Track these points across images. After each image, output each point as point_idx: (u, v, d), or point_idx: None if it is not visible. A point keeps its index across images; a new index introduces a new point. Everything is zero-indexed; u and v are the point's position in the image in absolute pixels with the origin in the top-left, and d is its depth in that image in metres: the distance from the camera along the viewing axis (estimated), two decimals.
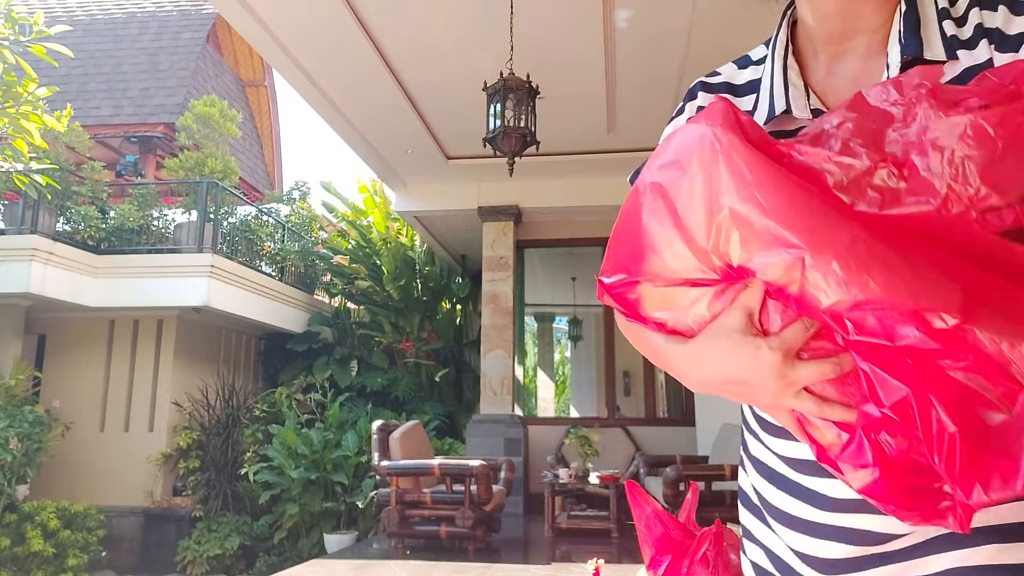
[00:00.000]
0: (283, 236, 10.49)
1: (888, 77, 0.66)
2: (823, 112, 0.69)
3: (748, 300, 0.58)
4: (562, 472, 5.95)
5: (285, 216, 10.90)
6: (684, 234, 0.58)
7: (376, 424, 5.77)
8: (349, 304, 10.76)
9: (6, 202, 8.19)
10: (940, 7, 0.68)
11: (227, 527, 7.85)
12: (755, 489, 0.79)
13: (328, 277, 10.87)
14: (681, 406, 7.88)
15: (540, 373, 10.73)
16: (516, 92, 4.16)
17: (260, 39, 4.94)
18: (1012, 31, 0.65)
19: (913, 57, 0.66)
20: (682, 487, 4.26)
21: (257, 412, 8.70)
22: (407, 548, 5.36)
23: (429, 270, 10.20)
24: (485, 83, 4.25)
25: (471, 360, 9.71)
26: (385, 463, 5.38)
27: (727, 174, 0.55)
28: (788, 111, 0.72)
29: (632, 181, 0.80)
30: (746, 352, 0.57)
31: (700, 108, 0.78)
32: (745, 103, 0.78)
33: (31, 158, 5.41)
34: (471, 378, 9.61)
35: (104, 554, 7.40)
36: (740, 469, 0.85)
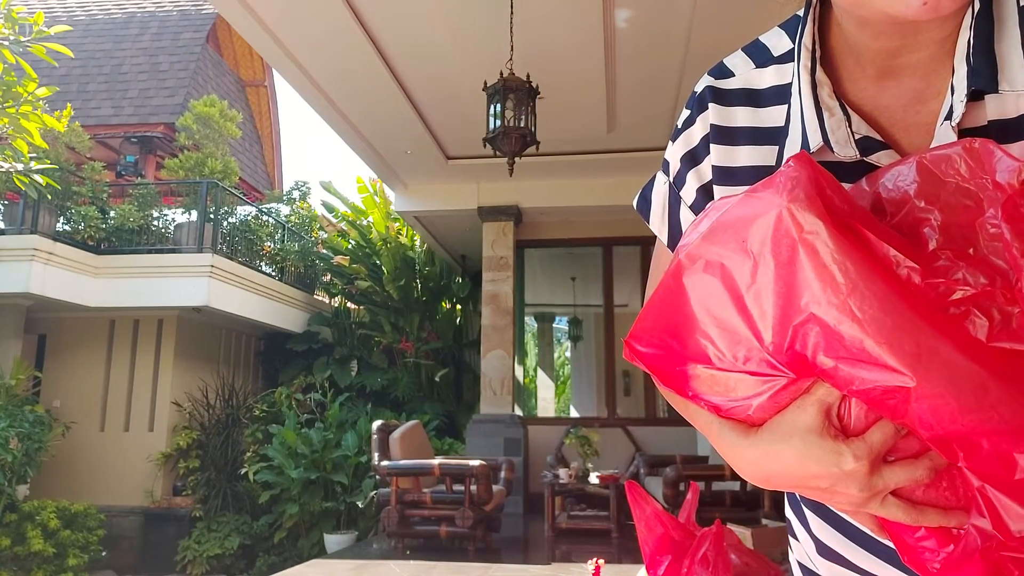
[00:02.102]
0: (283, 236, 10.50)
1: (952, 110, 0.50)
2: (875, 143, 0.54)
3: (825, 396, 0.47)
4: (562, 472, 5.96)
5: (285, 216, 10.91)
6: (751, 326, 0.46)
7: (376, 424, 5.77)
8: (349, 304, 10.77)
9: (6, 202, 8.20)
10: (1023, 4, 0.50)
11: (227, 527, 7.85)
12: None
13: (328, 277, 10.88)
14: None
15: (540, 373, 10.73)
16: (516, 92, 4.16)
17: (260, 39, 4.94)
18: None
19: (983, 90, 0.50)
20: (682, 487, 4.26)
21: (257, 412, 8.70)
22: (407, 548, 5.36)
23: (429, 270, 10.20)
24: (485, 83, 4.25)
25: (471, 360, 9.71)
26: (385, 463, 5.38)
27: (811, 271, 0.43)
28: (827, 144, 0.54)
29: (639, 206, 0.75)
30: (825, 459, 0.47)
31: (714, 125, 0.64)
32: (773, 116, 0.61)
33: (31, 158, 5.41)
34: (471, 378, 9.61)
35: (104, 554, 7.41)
36: None
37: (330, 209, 10.99)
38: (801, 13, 0.59)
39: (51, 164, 6.17)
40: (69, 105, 6.19)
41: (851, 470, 0.46)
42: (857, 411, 0.47)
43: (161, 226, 8.93)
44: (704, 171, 0.66)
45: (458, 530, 5.21)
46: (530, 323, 10.12)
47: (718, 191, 0.64)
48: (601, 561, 3.48)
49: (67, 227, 8.43)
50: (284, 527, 7.67)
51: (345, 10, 4.55)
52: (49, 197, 7.65)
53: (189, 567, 7.64)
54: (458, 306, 10.41)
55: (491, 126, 4.21)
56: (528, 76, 4.21)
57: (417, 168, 7.30)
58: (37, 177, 5.31)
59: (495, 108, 4.20)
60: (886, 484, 0.47)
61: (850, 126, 0.54)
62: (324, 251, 10.98)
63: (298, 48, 5.06)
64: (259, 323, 9.41)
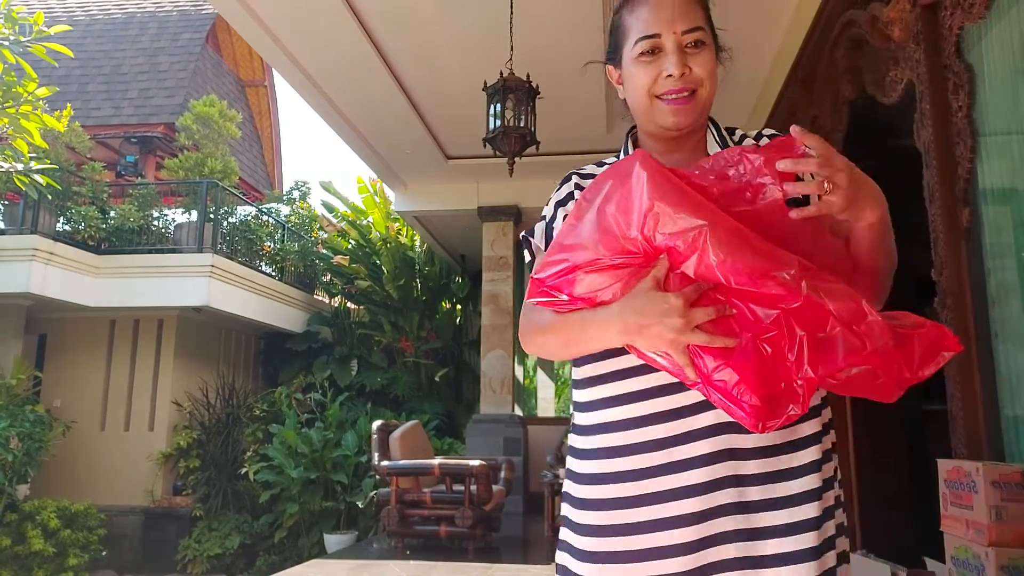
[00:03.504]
0: (283, 236, 10.50)
1: None
2: None
3: (656, 272, 0.92)
4: (562, 472, 5.95)
5: (285, 216, 10.90)
6: (619, 228, 0.92)
7: (376, 424, 5.77)
8: (349, 304, 10.76)
9: (6, 202, 8.20)
10: (723, 133, 1.19)
11: (227, 526, 7.85)
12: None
13: (328, 277, 10.87)
14: None
15: (540, 373, 10.73)
16: (516, 92, 4.16)
17: (260, 39, 4.94)
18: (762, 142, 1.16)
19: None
20: None
21: (257, 411, 8.70)
22: (407, 548, 5.37)
23: (429, 270, 10.20)
24: (485, 83, 4.24)
25: (471, 360, 9.71)
26: (385, 463, 5.38)
27: (652, 187, 0.89)
28: None
29: (525, 239, 1.23)
30: (659, 300, 0.90)
31: (576, 188, 1.19)
32: None
33: (31, 158, 5.41)
34: (471, 378, 9.61)
35: (104, 553, 7.41)
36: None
37: (330, 209, 10.98)
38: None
39: (51, 164, 6.17)
40: (69, 105, 6.20)
41: (675, 303, 0.89)
42: (675, 282, 0.91)
43: (161, 226, 8.93)
44: (569, 207, 1.15)
45: (458, 530, 5.22)
46: None
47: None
48: None
49: (67, 227, 8.43)
50: (284, 527, 7.67)
51: (345, 10, 4.55)
52: (49, 197, 7.65)
53: (189, 566, 7.64)
54: (458, 306, 10.41)
55: (491, 126, 4.21)
56: (528, 76, 4.21)
57: (417, 168, 7.30)
58: (37, 177, 5.31)
59: (495, 108, 4.19)
60: (694, 317, 0.89)
61: None
62: (324, 251, 10.98)
63: (298, 48, 5.06)
64: (259, 323, 9.41)
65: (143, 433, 8.49)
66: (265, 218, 10.24)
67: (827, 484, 1.02)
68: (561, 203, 1.18)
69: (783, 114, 4.60)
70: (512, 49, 4.25)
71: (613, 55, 1.19)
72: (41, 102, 5.14)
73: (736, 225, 0.88)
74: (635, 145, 1.21)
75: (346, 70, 5.34)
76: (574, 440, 1.11)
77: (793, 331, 0.86)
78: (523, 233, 1.21)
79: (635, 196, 0.90)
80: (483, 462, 5.30)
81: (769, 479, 0.98)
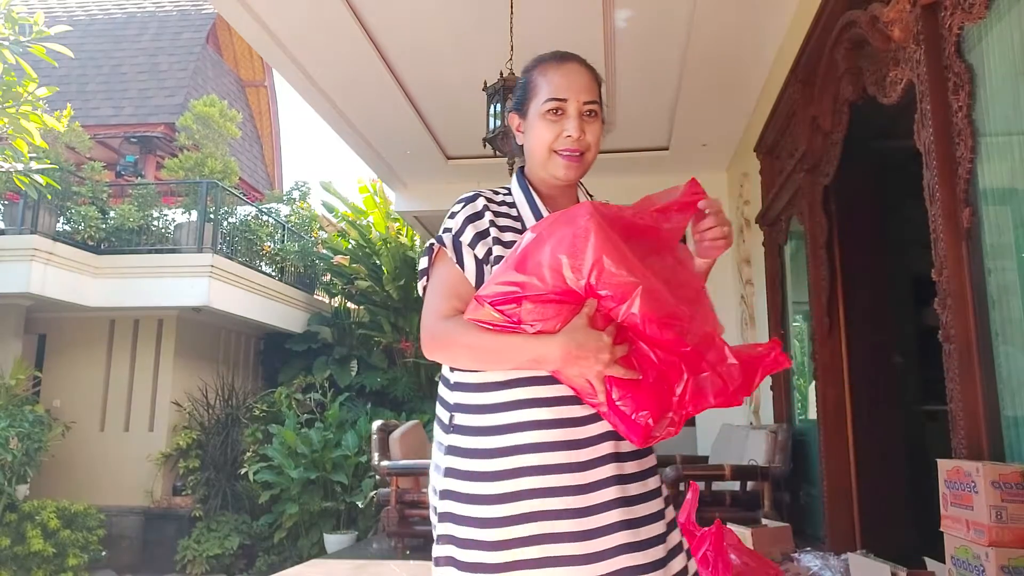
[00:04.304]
0: (283, 236, 10.49)
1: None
2: None
3: (588, 311, 1.11)
4: None
5: (285, 216, 10.90)
6: (568, 271, 1.09)
7: (376, 424, 5.77)
8: (349, 304, 10.75)
9: (6, 202, 8.20)
10: (588, 192, 1.46)
11: (227, 526, 7.85)
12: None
13: (328, 277, 10.87)
14: None
15: None
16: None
17: (260, 39, 4.94)
18: None
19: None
20: (682, 487, 4.25)
21: (257, 412, 8.69)
22: (407, 548, 5.36)
23: None
24: (485, 83, 4.24)
25: None
26: (385, 463, 5.38)
27: (600, 241, 1.08)
28: (541, 217, 1.31)
29: (436, 243, 1.31)
30: (595, 337, 1.10)
31: (487, 210, 1.31)
32: (512, 212, 1.35)
33: (31, 158, 5.41)
34: None
35: (104, 553, 7.41)
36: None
37: (330, 209, 10.98)
38: (517, 174, 1.42)
39: (51, 164, 6.17)
40: (69, 105, 6.20)
41: (605, 343, 1.10)
42: (599, 320, 1.11)
43: (161, 226, 8.92)
44: (480, 224, 1.29)
45: None
46: None
47: (493, 231, 1.29)
48: None
49: (67, 227, 8.43)
50: (284, 527, 7.67)
51: (345, 10, 4.55)
52: (49, 197, 7.65)
53: (189, 567, 7.64)
54: None
55: (491, 126, 4.20)
56: None
57: (417, 168, 7.29)
58: (37, 177, 5.31)
59: (495, 108, 4.19)
60: (616, 353, 1.10)
61: (545, 211, 1.33)
62: (324, 251, 10.97)
63: (298, 48, 5.06)
64: (259, 323, 9.41)
65: (143, 433, 8.49)
66: (265, 218, 10.24)
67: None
68: (471, 220, 1.29)
69: (783, 114, 4.60)
70: (512, 49, 4.25)
71: (519, 107, 1.38)
72: (41, 102, 5.14)
73: (657, 285, 1.09)
74: (524, 183, 1.39)
75: (346, 70, 5.34)
76: (462, 440, 1.23)
77: (680, 371, 1.10)
78: (432, 241, 1.31)
79: (583, 246, 1.08)
80: None
81: (642, 476, 1.24)
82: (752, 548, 2.57)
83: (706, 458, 5.73)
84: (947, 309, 2.30)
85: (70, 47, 5.71)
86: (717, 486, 4.47)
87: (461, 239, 1.27)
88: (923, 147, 2.43)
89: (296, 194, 11.10)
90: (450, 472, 1.23)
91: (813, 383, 4.09)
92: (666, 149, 6.55)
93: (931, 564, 2.43)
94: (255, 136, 14.25)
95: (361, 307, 10.45)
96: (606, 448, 1.20)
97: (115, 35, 12.04)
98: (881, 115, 3.26)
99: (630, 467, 1.22)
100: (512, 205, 1.35)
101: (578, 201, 1.38)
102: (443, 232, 1.31)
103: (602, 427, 1.19)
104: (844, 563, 2.86)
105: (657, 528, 1.22)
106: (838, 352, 3.90)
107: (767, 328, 5.24)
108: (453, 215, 1.31)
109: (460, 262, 1.26)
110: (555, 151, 1.32)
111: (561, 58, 1.36)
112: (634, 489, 1.21)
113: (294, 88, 5.58)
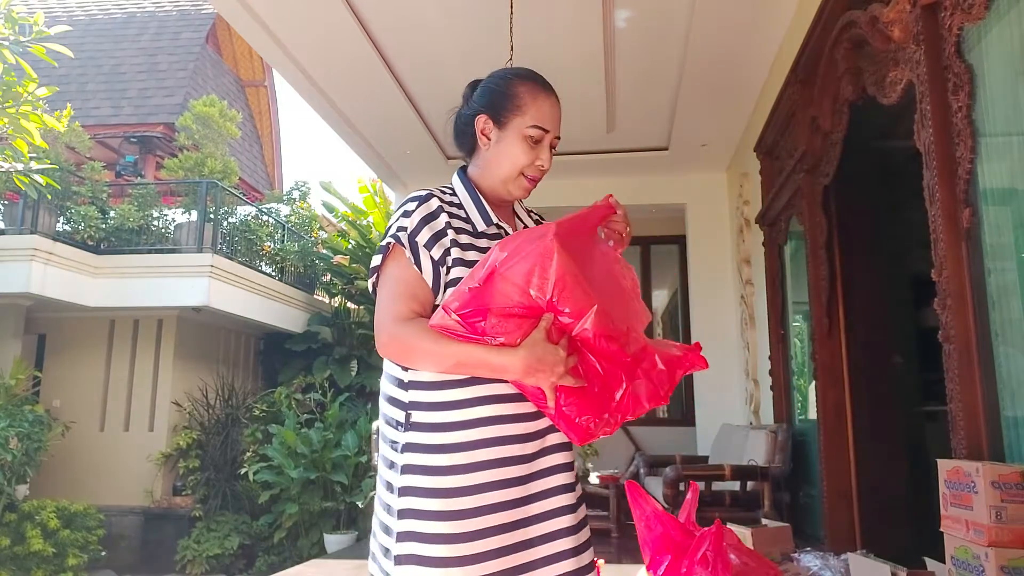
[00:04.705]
0: (283, 236, 10.49)
1: (522, 221, 1.52)
2: (503, 226, 1.41)
3: (545, 325, 1.20)
4: None
5: (285, 216, 10.89)
6: (533, 288, 1.18)
7: (376, 424, 5.76)
8: (349, 304, 10.75)
9: (6, 202, 8.19)
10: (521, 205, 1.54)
11: (227, 526, 7.85)
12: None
13: (328, 277, 10.86)
14: (681, 406, 7.88)
15: None
16: None
17: (259, 39, 4.94)
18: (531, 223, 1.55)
19: (535, 215, 1.58)
20: (682, 487, 4.26)
21: (257, 412, 8.69)
22: None
23: None
24: None
25: None
26: None
27: (562, 263, 1.18)
28: (491, 223, 1.39)
29: (393, 242, 1.31)
30: (553, 351, 1.19)
31: (442, 212, 1.35)
32: (461, 213, 1.38)
33: (31, 158, 5.41)
34: None
35: (104, 553, 7.40)
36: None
37: (330, 209, 10.97)
38: (462, 176, 1.48)
39: (51, 164, 6.17)
40: (69, 105, 6.20)
41: (561, 356, 1.19)
42: (554, 333, 1.20)
43: (161, 226, 8.92)
44: (436, 225, 1.32)
45: None
46: None
47: (451, 233, 1.33)
48: (601, 561, 3.47)
49: (67, 227, 8.42)
50: (284, 527, 7.66)
51: (345, 10, 4.55)
52: (49, 197, 7.64)
53: (188, 567, 7.63)
54: None
55: None
56: None
57: (417, 168, 7.30)
58: (37, 177, 5.31)
59: None
60: (568, 364, 1.19)
61: (493, 219, 1.41)
62: (324, 251, 10.96)
63: (297, 48, 5.06)
64: (259, 323, 9.41)
65: (142, 433, 8.49)
66: (265, 218, 10.23)
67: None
68: (427, 220, 1.32)
69: (783, 114, 4.60)
70: (512, 50, 4.26)
71: (496, 114, 1.42)
72: (41, 102, 5.14)
73: (605, 301, 1.22)
74: (471, 185, 1.44)
75: (346, 70, 5.34)
76: (421, 437, 1.27)
77: (620, 380, 1.22)
78: (388, 240, 1.32)
79: (547, 265, 1.17)
80: None
81: (571, 466, 1.37)
82: (752, 548, 2.57)
83: (706, 458, 5.73)
84: (947, 309, 2.30)
85: (70, 47, 5.71)
86: (717, 486, 4.47)
87: (417, 239, 1.30)
88: (923, 147, 2.43)
89: (296, 194, 11.09)
90: (410, 469, 1.25)
91: (813, 383, 4.10)
92: (666, 149, 6.55)
93: (931, 564, 2.43)
94: (255, 136, 14.25)
95: (361, 307, 10.44)
96: (551, 440, 1.33)
97: (115, 35, 12.03)
98: (881, 115, 3.26)
99: (562, 457, 1.35)
100: (460, 206, 1.39)
101: (513, 212, 1.50)
102: (398, 231, 1.32)
103: (546, 421, 1.30)
104: (844, 563, 2.86)
105: (581, 512, 1.36)
106: (838, 352, 3.91)
107: (767, 328, 5.25)
108: (408, 214, 1.33)
109: (417, 263, 1.29)
110: (523, 174, 1.40)
111: (547, 87, 1.46)
112: (568, 477, 1.35)
113: (294, 88, 5.59)
